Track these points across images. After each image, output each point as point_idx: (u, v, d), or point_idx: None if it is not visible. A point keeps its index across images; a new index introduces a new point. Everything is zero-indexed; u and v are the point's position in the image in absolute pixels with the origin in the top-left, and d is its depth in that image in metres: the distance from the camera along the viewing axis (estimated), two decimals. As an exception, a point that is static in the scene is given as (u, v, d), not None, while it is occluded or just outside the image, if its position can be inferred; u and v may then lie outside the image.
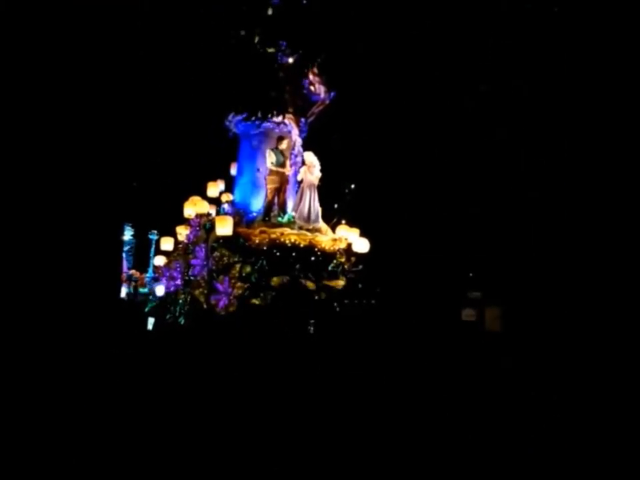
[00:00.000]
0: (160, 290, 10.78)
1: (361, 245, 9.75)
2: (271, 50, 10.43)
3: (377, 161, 13.36)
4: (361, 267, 9.85)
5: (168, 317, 9.93)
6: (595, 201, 11.95)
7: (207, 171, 12.53)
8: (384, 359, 6.74)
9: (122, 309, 10.49)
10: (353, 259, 9.88)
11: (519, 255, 13.16)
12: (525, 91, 13.35)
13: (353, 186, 10.02)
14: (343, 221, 10.24)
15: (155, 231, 13.09)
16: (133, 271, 13.00)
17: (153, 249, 13.02)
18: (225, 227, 9.20)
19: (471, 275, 14.09)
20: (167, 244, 11.74)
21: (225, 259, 9.41)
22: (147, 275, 12.83)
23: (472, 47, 13.11)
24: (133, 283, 12.62)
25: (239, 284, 8.87)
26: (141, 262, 13.32)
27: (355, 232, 10.03)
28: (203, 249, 9.59)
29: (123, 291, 12.18)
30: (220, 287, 8.89)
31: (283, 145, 9.94)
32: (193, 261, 9.75)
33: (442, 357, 7.24)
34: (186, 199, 11.10)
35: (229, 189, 11.56)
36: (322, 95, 10.69)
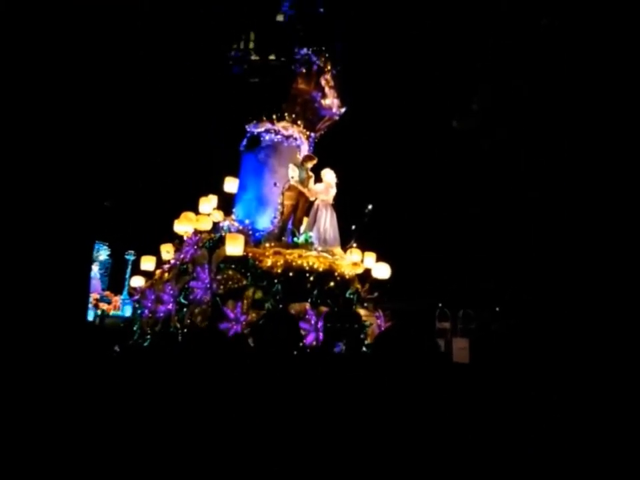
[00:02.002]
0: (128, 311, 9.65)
1: (381, 271, 9.00)
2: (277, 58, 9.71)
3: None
4: (376, 294, 9.13)
5: (150, 343, 8.80)
6: (595, 201, 11.83)
7: (189, 187, 11.57)
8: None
9: (89, 333, 9.25)
10: (367, 285, 9.16)
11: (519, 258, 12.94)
12: (525, 91, 13.26)
13: (370, 207, 9.26)
14: (354, 244, 9.48)
15: (132, 251, 11.90)
16: (107, 293, 11.75)
17: (129, 270, 11.79)
18: (235, 246, 8.23)
19: (440, 305, 13.79)
20: (147, 264, 10.49)
21: (230, 282, 8.43)
22: (122, 296, 11.58)
23: (472, 47, 12.94)
24: (106, 305, 11.37)
25: (252, 311, 7.89)
26: (116, 283, 12.09)
27: (372, 256, 9.30)
28: (206, 270, 8.56)
29: (90, 314, 10.93)
30: (230, 313, 7.87)
31: (309, 165, 9.19)
32: (193, 283, 8.65)
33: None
34: (171, 216, 10.08)
35: (221, 205, 10.56)
36: (333, 109, 10.01)
